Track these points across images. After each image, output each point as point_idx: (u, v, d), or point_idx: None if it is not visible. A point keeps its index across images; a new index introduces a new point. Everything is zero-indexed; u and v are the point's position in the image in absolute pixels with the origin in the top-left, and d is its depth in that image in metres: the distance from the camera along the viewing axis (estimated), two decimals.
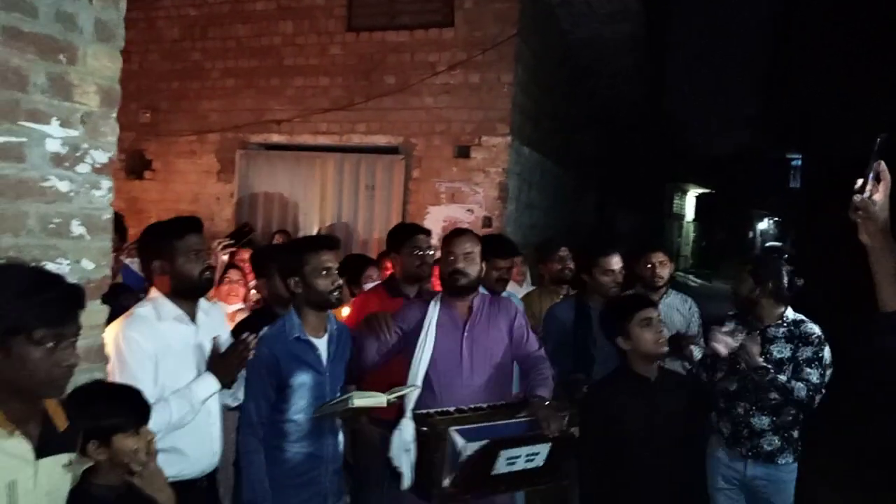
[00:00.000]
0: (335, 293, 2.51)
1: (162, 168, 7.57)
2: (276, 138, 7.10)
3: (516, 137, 6.41)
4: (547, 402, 2.58)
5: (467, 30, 6.37)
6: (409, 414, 2.57)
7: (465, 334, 2.80)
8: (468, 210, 6.29)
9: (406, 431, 2.52)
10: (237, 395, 2.45)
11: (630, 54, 9.36)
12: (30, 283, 1.47)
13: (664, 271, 3.79)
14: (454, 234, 2.94)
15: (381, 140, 6.67)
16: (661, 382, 2.74)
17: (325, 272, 2.50)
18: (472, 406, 2.64)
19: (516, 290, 4.25)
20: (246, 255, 4.72)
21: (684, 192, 30.07)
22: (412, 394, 2.62)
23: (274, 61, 7.02)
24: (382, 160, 6.63)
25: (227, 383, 2.28)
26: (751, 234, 37.07)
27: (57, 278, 1.54)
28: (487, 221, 6.15)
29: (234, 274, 3.81)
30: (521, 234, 6.59)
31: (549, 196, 8.07)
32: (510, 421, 2.53)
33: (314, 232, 6.85)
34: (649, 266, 3.77)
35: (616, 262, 3.59)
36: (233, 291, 3.78)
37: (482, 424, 2.46)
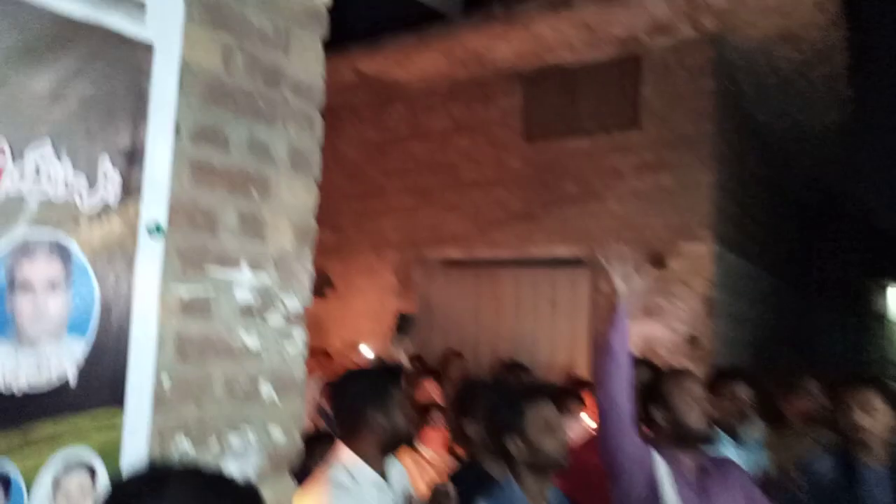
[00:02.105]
0: (564, 454, 2.04)
1: (343, 286, 7.62)
2: (453, 253, 6.90)
3: (720, 243, 5.69)
4: None
5: (656, 130, 5.90)
6: None
7: (702, 498, 2.16)
8: (669, 328, 5.57)
9: None
10: None
11: (831, 143, 8.40)
12: (191, 497, 1.11)
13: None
14: (686, 375, 2.37)
15: (562, 251, 6.22)
16: None
17: (550, 428, 2.03)
18: None
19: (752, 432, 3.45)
20: (431, 384, 4.37)
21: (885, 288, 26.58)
22: None
23: (451, 177, 6.94)
24: (565, 273, 6.15)
25: None
26: None
27: (227, 486, 1.17)
28: (693, 341, 5.38)
29: (436, 415, 3.40)
30: (734, 355, 5.74)
31: (757, 306, 7.11)
32: None
33: (491, 351, 6.44)
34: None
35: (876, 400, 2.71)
36: (436, 437, 3.36)
37: None
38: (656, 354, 5.26)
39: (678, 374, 2.41)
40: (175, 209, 1.48)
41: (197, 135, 1.53)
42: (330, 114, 6.76)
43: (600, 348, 2.27)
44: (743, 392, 3.19)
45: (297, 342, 1.75)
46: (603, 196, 6.06)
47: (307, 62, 1.80)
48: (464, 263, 6.89)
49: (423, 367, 5.13)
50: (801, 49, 5.81)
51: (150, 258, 1.44)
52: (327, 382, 2.14)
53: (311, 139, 1.82)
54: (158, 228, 1.45)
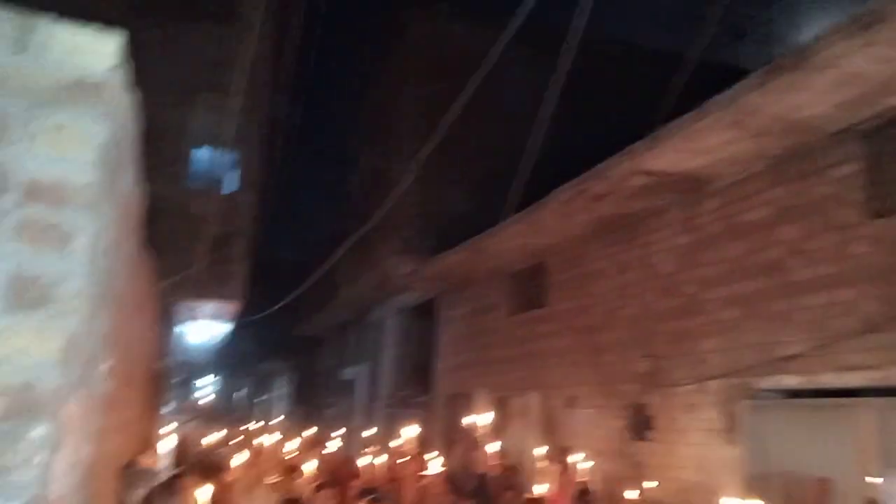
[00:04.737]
0: None
1: (664, 426, 6.33)
2: (789, 381, 5.14)
3: None
4: None
5: None
6: None
7: None
8: None
9: None
10: None
11: None
12: None
13: None
14: None
15: None
16: None
17: None
18: None
19: None
20: None
21: None
22: None
23: (777, 278, 5.33)
24: None
25: None
26: None
27: None
28: None
29: None
30: None
31: None
32: None
33: None
34: None
35: None
36: None
37: None
38: None
39: None
40: None
41: None
42: (636, 224, 5.90)
43: None
44: None
45: None
46: None
47: (62, 152, 1.33)
48: (805, 394, 5.06)
49: None
50: None
51: None
52: None
53: (63, 260, 1.30)
54: None
